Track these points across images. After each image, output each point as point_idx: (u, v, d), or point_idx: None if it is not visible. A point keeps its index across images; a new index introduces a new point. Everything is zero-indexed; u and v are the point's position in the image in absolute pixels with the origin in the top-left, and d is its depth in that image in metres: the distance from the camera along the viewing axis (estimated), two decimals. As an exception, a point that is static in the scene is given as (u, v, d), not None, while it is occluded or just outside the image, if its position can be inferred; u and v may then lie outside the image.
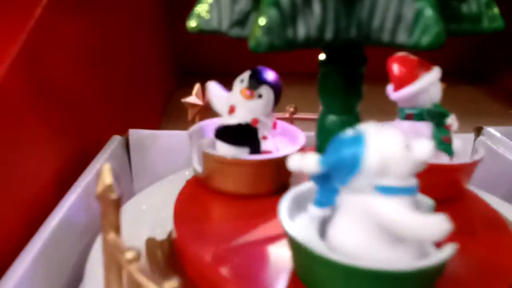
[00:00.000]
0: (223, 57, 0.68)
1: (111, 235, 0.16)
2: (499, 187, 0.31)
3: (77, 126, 0.31)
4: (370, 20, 0.15)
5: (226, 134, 0.24)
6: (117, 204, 0.16)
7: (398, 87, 0.25)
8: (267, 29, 0.14)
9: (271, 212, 0.23)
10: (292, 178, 0.24)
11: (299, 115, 0.32)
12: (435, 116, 0.25)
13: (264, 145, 0.24)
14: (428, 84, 0.25)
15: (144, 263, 0.20)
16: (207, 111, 0.28)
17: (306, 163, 0.15)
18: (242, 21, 0.16)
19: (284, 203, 0.17)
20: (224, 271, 0.18)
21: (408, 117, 0.25)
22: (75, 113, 0.31)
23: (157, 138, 0.34)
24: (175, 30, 0.64)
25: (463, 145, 0.25)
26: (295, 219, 0.17)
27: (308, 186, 0.18)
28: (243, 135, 0.23)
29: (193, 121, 0.28)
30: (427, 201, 0.17)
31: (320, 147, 0.22)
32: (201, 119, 0.28)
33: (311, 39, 0.15)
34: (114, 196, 0.16)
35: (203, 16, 0.17)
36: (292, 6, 0.14)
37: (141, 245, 0.21)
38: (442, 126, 0.25)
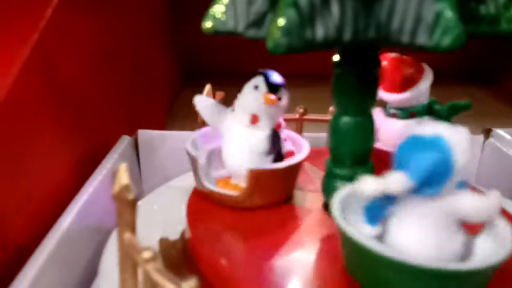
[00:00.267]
0: (228, 58, 0.68)
1: (127, 235, 0.16)
2: (509, 189, 0.31)
3: (87, 126, 0.32)
4: (389, 21, 0.15)
5: (276, 145, 0.23)
6: (134, 204, 0.16)
7: (402, 89, 0.26)
8: (286, 30, 0.14)
9: (286, 213, 0.23)
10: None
11: (308, 116, 0.32)
12: (447, 114, 0.26)
13: (284, 148, 0.24)
14: (429, 84, 0.26)
15: (159, 263, 0.20)
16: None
17: (394, 182, 0.15)
18: (259, 22, 0.16)
19: (337, 205, 0.17)
20: (239, 270, 0.18)
21: (412, 115, 0.27)
22: (85, 113, 0.31)
23: (166, 138, 0.35)
24: (181, 31, 0.65)
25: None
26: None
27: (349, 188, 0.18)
28: (277, 142, 0.23)
29: (202, 122, 0.28)
30: None
31: (334, 149, 0.22)
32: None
33: (330, 39, 0.15)
34: (131, 196, 0.16)
35: (218, 17, 0.17)
36: (311, 6, 0.14)
37: (154, 244, 0.21)
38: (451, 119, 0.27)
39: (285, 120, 0.32)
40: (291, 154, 0.23)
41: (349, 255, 0.17)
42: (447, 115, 0.26)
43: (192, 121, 0.28)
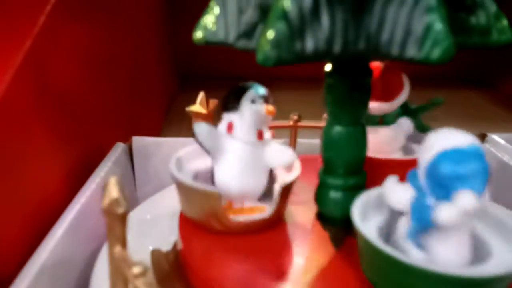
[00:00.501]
0: (223, 62, 0.69)
1: (118, 249, 0.16)
2: (503, 196, 0.30)
3: (81, 132, 0.31)
4: (379, 33, 0.15)
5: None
6: (124, 218, 0.16)
7: (392, 97, 0.26)
8: (276, 42, 0.14)
9: (279, 225, 0.23)
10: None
11: (303, 123, 0.32)
12: (418, 110, 0.27)
13: None
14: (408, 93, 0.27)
15: (150, 276, 0.20)
16: (211, 119, 0.28)
17: (469, 204, 0.14)
18: (249, 32, 0.16)
19: (356, 211, 0.18)
20: (230, 283, 0.18)
21: (380, 122, 0.27)
22: (79, 120, 0.31)
23: (161, 145, 0.34)
24: (176, 35, 0.65)
25: None
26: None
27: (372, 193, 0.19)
28: None
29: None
30: None
31: (327, 159, 0.21)
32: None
33: (320, 52, 0.15)
34: (120, 210, 0.16)
35: (209, 28, 0.17)
36: (301, 18, 0.14)
37: (146, 255, 0.21)
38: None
39: (280, 127, 0.32)
40: None
41: (368, 260, 0.17)
42: (418, 113, 0.27)
43: (188, 125, 0.28)
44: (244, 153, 0.21)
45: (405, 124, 0.27)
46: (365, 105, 0.21)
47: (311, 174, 0.23)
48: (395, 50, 0.14)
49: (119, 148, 0.33)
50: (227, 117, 0.22)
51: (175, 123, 0.56)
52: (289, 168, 0.23)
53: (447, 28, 0.14)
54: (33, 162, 0.25)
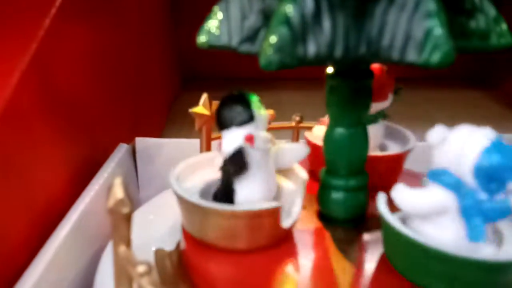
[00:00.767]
0: (226, 62, 0.69)
1: (122, 248, 0.17)
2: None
3: (85, 134, 0.32)
4: (379, 38, 0.15)
5: None
6: (128, 218, 0.16)
7: (384, 96, 0.26)
8: (278, 47, 0.14)
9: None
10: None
11: (305, 124, 0.32)
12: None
13: None
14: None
15: (154, 275, 0.20)
16: (213, 121, 0.28)
17: None
18: (252, 37, 0.17)
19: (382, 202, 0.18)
20: (232, 283, 0.18)
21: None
22: (83, 121, 0.31)
23: (164, 146, 0.35)
24: (179, 35, 0.65)
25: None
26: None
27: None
28: None
29: (200, 131, 0.28)
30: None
31: (329, 160, 0.22)
32: (208, 129, 0.28)
33: (321, 56, 0.15)
34: (125, 210, 0.16)
35: (213, 32, 0.18)
36: (302, 23, 0.15)
37: (149, 255, 0.22)
38: None
39: (282, 128, 0.32)
40: None
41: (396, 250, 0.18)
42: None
43: (190, 126, 0.28)
44: (264, 161, 0.21)
45: (381, 122, 0.27)
46: (366, 107, 0.21)
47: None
48: (395, 55, 0.15)
49: (122, 149, 0.33)
50: (239, 131, 0.20)
51: (177, 123, 0.57)
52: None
53: (447, 32, 0.14)
54: (38, 163, 0.25)
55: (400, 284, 0.18)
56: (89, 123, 0.33)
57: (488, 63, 0.72)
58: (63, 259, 0.22)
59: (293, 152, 0.22)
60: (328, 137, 0.21)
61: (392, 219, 0.18)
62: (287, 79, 0.67)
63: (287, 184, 0.22)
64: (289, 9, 0.14)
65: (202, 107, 0.27)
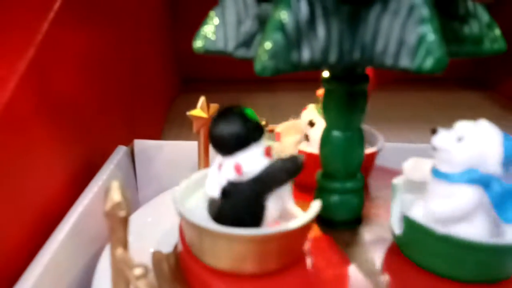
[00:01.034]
0: (224, 64, 0.69)
1: (119, 251, 0.17)
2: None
3: (83, 136, 0.32)
4: (373, 44, 0.15)
5: None
6: (125, 221, 0.16)
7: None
8: (273, 53, 0.14)
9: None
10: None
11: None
12: None
13: None
14: None
15: (151, 277, 0.20)
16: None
17: None
18: (248, 42, 0.17)
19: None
20: (228, 285, 0.18)
21: None
22: (81, 124, 0.32)
23: (162, 148, 0.35)
24: (177, 37, 0.65)
25: None
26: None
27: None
28: None
29: (198, 133, 0.28)
30: None
31: (325, 163, 0.22)
32: (206, 131, 0.28)
33: (316, 62, 0.15)
34: (122, 213, 0.16)
35: (209, 37, 0.18)
36: (297, 29, 0.15)
37: (147, 257, 0.22)
38: None
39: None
40: None
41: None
42: None
43: (190, 128, 0.29)
44: None
45: None
46: (362, 111, 0.21)
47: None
48: (389, 60, 0.15)
49: (120, 151, 0.33)
50: (255, 148, 0.19)
51: (176, 125, 0.57)
52: None
53: (440, 39, 0.14)
54: (36, 166, 0.25)
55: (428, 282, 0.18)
56: (87, 126, 0.33)
57: (485, 64, 0.72)
58: (61, 261, 0.23)
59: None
60: (324, 140, 0.21)
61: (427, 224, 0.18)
62: (285, 80, 0.68)
63: None
64: (284, 15, 0.14)
65: (200, 110, 0.27)
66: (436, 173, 0.18)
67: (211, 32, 0.18)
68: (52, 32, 0.27)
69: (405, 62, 0.14)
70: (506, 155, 0.17)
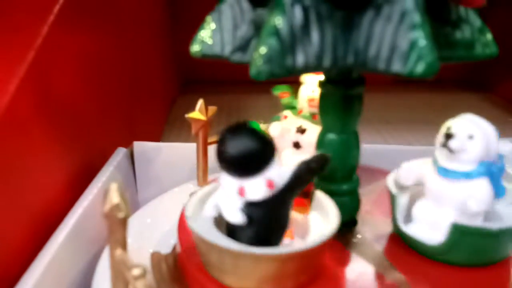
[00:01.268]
0: (224, 65, 0.69)
1: (118, 252, 0.17)
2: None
3: (83, 138, 0.32)
4: (366, 49, 0.15)
5: None
6: (124, 222, 0.17)
7: None
8: (268, 58, 0.15)
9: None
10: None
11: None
12: None
13: None
14: None
15: (150, 278, 0.20)
16: (210, 126, 0.29)
17: None
18: (244, 46, 0.17)
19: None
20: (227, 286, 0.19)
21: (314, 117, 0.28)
22: (80, 126, 0.32)
23: (161, 150, 0.35)
24: (177, 39, 0.65)
25: None
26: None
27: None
28: None
29: (196, 135, 0.29)
30: None
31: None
32: (204, 133, 0.29)
33: (310, 66, 0.15)
34: (121, 215, 0.16)
35: (206, 42, 0.18)
36: (291, 35, 0.15)
37: (146, 258, 0.22)
38: None
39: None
40: None
41: None
42: None
43: (190, 130, 0.29)
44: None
45: None
46: (357, 114, 0.21)
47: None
48: (381, 65, 0.15)
49: (120, 153, 0.33)
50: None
51: (176, 127, 0.57)
52: None
53: (431, 44, 0.14)
54: (36, 168, 0.25)
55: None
56: (87, 128, 0.33)
57: (483, 66, 0.72)
58: (61, 262, 0.23)
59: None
60: (320, 143, 0.22)
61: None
62: (284, 82, 0.68)
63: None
64: (279, 21, 0.15)
65: (198, 113, 0.28)
66: (452, 173, 0.19)
67: (208, 37, 0.18)
68: (52, 35, 0.28)
69: (397, 66, 0.15)
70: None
